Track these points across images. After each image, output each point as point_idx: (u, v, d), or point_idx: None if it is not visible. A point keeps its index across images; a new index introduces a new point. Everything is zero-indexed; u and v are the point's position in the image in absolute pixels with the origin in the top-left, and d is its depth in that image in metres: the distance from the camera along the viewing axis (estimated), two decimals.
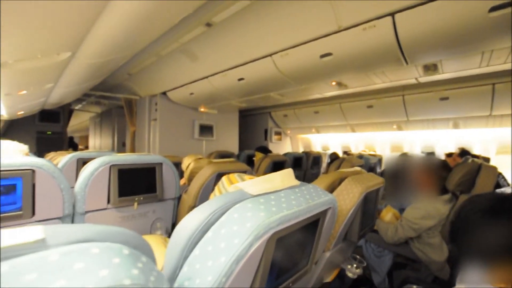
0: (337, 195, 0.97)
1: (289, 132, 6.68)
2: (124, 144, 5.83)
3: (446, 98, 3.57)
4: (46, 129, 5.51)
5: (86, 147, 8.91)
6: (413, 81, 3.38)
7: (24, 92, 2.10)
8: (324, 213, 0.70)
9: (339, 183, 1.04)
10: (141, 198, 1.43)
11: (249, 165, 2.34)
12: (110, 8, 1.24)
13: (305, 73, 2.55)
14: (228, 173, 0.87)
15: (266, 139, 6.25)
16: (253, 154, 3.70)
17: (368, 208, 1.16)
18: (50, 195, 1.11)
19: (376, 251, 1.91)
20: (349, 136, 5.90)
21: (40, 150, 5.08)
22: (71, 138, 7.54)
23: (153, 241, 1.13)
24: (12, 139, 1.24)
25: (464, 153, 3.16)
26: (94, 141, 7.39)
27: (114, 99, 4.96)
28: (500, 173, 2.26)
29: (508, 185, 2.49)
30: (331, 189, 1.02)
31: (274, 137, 6.29)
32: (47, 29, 1.06)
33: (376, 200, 1.28)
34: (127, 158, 1.34)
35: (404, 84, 3.68)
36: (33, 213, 1.08)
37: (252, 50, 2.47)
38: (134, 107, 4.71)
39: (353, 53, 2.04)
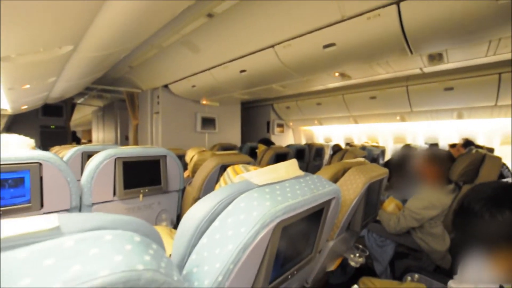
0: (340, 186, 0.97)
1: (291, 124, 6.66)
2: (127, 138, 5.86)
3: (451, 89, 3.52)
4: (50, 123, 5.54)
5: (89, 141, 8.97)
6: (418, 71, 3.33)
7: (27, 86, 2.11)
8: (328, 202, 0.70)
9: (343, 174, 1.04)
10: (146, 190, 1.45)
11: (252, 157, 2.35)
12: (111, 1, 1.23)
13: (308, 64, 2.53)
14: (232, 165, 0.87)
15: (268, 131, 6.24)
16: (255, 146, 3.70)
17: (371, 198, 1.17)
18: (57, 187, 1.13)
19: (378, 241, 1.93)
20: (351, 128, 5.87)
21: (44, 144, 5.12)
22: (74, 132, 7.59)
23: (159, 232, 1.15)
24: (16, 133, 1.25)
25: (468, 143, 3.15)
26: (97, 135, 7.44)
27: (116, 93, 4.96)
28: (504, 164, 2.25)
29: None
30: (335, 179, 1.02)
31: (276, 129, 6.28)
32: (49, 22, 1.05)
33: (379, 191, 1.29)
34: (132, 151, 1.36)
35: (408, 74, 3.63)
36: (42, 205, 1.10)
37: (254, 41, 2.44)
38: (136, 100, 4.71)
39: (357, 43, 2.00)
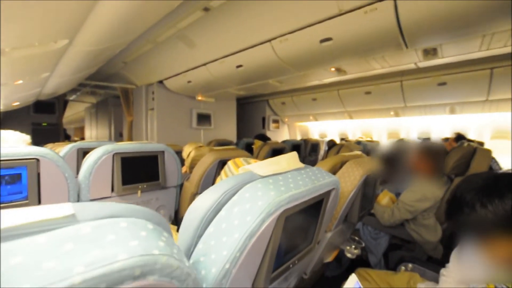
0: (339, 178, 0.99)
1: (286, 120, 6.68)
2: (121, 134, 5.80)
3: (444, 83, 3.57)
4: (42, 120, 5.44)
5: (82, 139, 8.83)
6: (412, 66, 3.37)
7: (20, 81, 2.06)
8: (328, 193, 0.72)
9: (340, 167, 1.06)
10: (145, 186, 1.45)
11: (248, 153, 2.36)
12: None
13: (304, 59, 2.53)
14: (229, 160, 0.88)
15: (264, 127, 6.25)
16: (251, 142, 3.71)
17: (368, 191, 1.20)
18: (55, 184, 1.12)
19: (373, 233, 1.98)
20: (346, 123, 5.93)
21: (36, 141, 4.99)
22: (64, 130, 7.47)
23: None
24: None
25: (459, 137, 3.21)
26: (90, 132, 7.33)
27: (110, 89, 4.88)
28: (493, 158, 2.31)
29: (500, 169, 2.55)
30: (333, 172, 1.04)
31: (272, 125, 6.29)
32: (45, 16, 1.03)
33: (375, 183, 1.32)
34: (130, 146, 1.35)
35: (403, 69, 3.67)
36: (39, 202, 1.09)
37: (251, 35, 2.43)
38: (131, 96, 4.66)
39: (354, 38, 2.02)
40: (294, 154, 0.73)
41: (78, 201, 1.26)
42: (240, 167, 0.76)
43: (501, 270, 0.73)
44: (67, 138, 7.38)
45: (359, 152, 1.30)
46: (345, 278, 1.05)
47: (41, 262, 0.23)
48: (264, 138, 3.78)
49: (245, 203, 0.49)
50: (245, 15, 2.24)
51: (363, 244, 1.43)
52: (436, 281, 1.04)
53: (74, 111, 8.29)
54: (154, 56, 3.35)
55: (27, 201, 1.07)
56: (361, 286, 0.74)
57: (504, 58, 2.97)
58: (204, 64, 3.19)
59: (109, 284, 0.25)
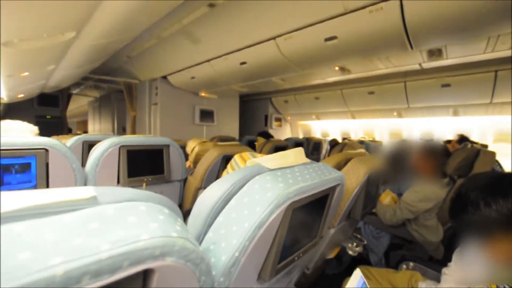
0: (343, 174, 1.00)
1: (289, 118, 6.68)
2: (124, 129, 5.82)
3: (448, 85, 3.56)
4: (45, 113, 5.46)
5: (85, 132, 8.87)
6: (416, 66, 3.37)
7: (26, 73, 2.08)
8: (333, 189, 0.73)
9: (345, 164, 1.07)
10: (150, 179, 1.47)
11: (252, 149, 2.38)
12: None
13: (309, 57, 2.53)
14: (233, 155, 0.90)
15: (266, 125, 6.26)
16: (254, 139, 3.73)
17: (371, 189, 1.21)
18: (63, 174, 1.14)
19: (374, 232, 1.98)
20: (348, 123, 5.92)
21: (39, 134, 5.04)
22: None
23: None
24: None
25: (462, 139, 3.21)
26: (94, 126, 7.36)
27: (113, 83, 4.89)
28: (496, 160, 2.31)
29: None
30: (338, 169, 1.05)
31: (274, 123, 6.30)
32: (54, 8, 1.04)
33: (378, 182, 1.33)
34: (136, 139, 1.37)
35: (406, 70, 3.66)
36: None
37: (256, 32, 2.43)
38: (134, 91, 4.67)
39: (359, 37, 2.02)
40: (301, 149, 0.74)
41: None
42: (246, 161, 0.77)
43: (504, 270, 0.73)
44: (69, 131, 7.41)
45: (363, 151, 1.31)
46: (345, 276, 1.06)
47: (71, 238, 0.25)
48: (267, 136, 3.79)
49: (254, 194, 0.50)
50: (250, 12, 2.24)
51: (365, 242, 1.44)
52: (438, 280, 1.04)
53: (77, 105, 8.32)
54: (159, 51, 3.35)
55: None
56: (365, 281, 0.75)
57: (509, 61, 2.96)
58: (208, 61, 3.20)
59: (132, 261, 0.26)
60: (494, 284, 0.76)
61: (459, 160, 1.92)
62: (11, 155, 0.98)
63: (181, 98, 4.57)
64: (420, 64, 3.24)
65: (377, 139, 5.37)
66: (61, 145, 1.12)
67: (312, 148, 4.23)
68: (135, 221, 0.29)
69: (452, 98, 3.80)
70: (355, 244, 1.43)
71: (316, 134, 6.66)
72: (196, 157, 1.89)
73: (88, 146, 1.91)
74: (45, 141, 1.06)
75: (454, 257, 0.97)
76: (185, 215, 0.57)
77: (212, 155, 1.63)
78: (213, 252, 0.48)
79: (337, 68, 3.31)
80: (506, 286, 0.72)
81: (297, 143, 3.76)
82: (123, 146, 1.31)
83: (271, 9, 2.14)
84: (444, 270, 1.01)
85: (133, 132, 4.80)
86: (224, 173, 0.85)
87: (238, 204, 0.50)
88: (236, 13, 2.30)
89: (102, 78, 4.44)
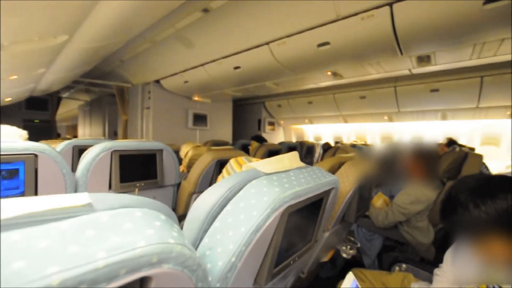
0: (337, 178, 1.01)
1: (282, 122, 6.72)
2: (115, 133, 5.74)
3: (437, 90, 3.67)
4: (34, 117, 5.33)
5: (75, 137, 8.68)
6: (406, 72, 3.45)
7: (15, 77, 2.03)
8: (328, 192, 0.74)
9: (338, 168, 1.09)
10: (142, 184, 1.45)
11: (246, 153, 2.37)
12: None
13: (302, 62, 2.57)
14: (227, 160, 0.89)
15: (259, 129, 6.27)
16: (247, 143, 3.72)
17: (364, 192, 1.22)
18: (53, 180, 1.11)
19: (367, 235, 2.00)
20: (341, 127, 6.01)
21: (27, 139, 4.91)
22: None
23: None
24: None
25: (451, 143, 3.29)
26: (84, 130, 7.22)
27: (105, 87, 4.83)
28: (483, 163, 2.38)
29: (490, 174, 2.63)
30: (332, 172, 1.06)
31: (268, 127, 6.32)
32: (46, 11, 1.02)
33: (371, 185, 1.34)
34: (128, 144, 1.35)
35: (397, 75, 3.75)
36: None
37: (250, 37, 2.45)
38: (126, 95, 4.62)
39: (351, 43, 2.06)
40: (295, 153, 0.75)
41: None
42: (242, 165, 0.77)
43: (494, 270, 0.75)
44: (58, 136, 7.25)
45: (356, 154, 1.33)
46: (339, 279, 1.07)
47: (66, 246, 0.24)
48: (261, 140, 3.80)
49: (251, 198, 0.50)
50: (244, 18, 2.27)
51: (359, 245, 1.46)
52: (430, 281, 1.06)
53: (66, 109, 8.15)
54: (152, 55, 3.34)
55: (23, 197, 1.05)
56: (358, 284, 0.76)
57: (494, 67, 3.08)
58: (202, 65, 3.20)
59: (129, 269, 0.26)
60: (484, 284, 0.77)
61: (448, 163, 1.97)
62: None
63: (174, 102, 4.54)
64: (409, 70, 3.33)
65: (369, 142, 5.46)
66: (51, 150, 1.09)
67: (306, 152, 4.26)
68: (132, 228, 0.29)
69: (441, 103, 3.91)
70: (349, 247, 1.44)
71: (309, 138, 6.72)
72: (190, 161, 1.88)
73: (79, 151, 1.87)
74: (35, 146, 1.03)
75: (445, 258, 0.99)
76: (179, 220, 0.57)
77: (206, 159, 1.62)
78: (209, 258, 0.48)
79: (329, 73, 3.36)
80: (496, 286, 0.74)
81: (290, 147, 3.78)
82: (115, 150, 1.29)
83: (264, 15, 2.17)
84: (436, 271, 1.03)
85: (125, 136, 4.73)
86: (220, 177, 0.85)
87: (234, 208, 0.50)
88: (230, 18, 2.32)
89: (93, 82, 4.38)
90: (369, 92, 4.35)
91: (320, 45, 2.18)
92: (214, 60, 3.01)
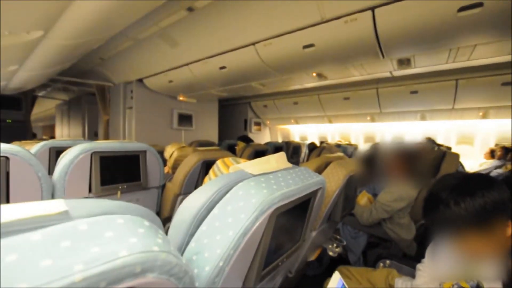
0: (324, 178, 1.02)
1: (268, 122, 6.75)
2: (96, 134, 5.51)
3: (416, 92, 3.82)
4: (5, 117, 4.99)
5: (52, 137, 8.26)
6: (388, 74, 3.58)
7: None
8: (315, 192, 0.74)
9: (325, 167, 1.10)
10: (125, 187, 1.40)
11: (232, 154, 2.35)
12: None
13: (287, 63, 2.59)
14: (214, 161, 0.88)
15: (245, 129, 6.26)
16: (234, 143, 3.70)
17: (350, 191, 1.25)
18: (27, 184, 1.05)
19: (352, 232, 2.05)
20: (326, 127, 6.12)
21: None
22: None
23: None
24: None
25: (430, 142, 3.44)
26: (62, 130, 6.89)
27: (84, 86, 4.63)
28: (459, 162, 2.50)
29: (465, 171, 2.78)
30: (318, 172, 1.07)
31: (254, 128, 6.32)
32: (18, 3, 0.95)
33: (356, 184, 1.37)
34: (110, 145, 1.29)
35: (378, 77, 3.87)
36: (8, 203, 1.01)
37: (235, 38, 2.43)
38: (107, 94, 4.45)
39: (335, 45, 2.10)
40: (283, 154, 0.75)
41: None
42: (229, 166, 0.76)
43: (472, 266, 0.79)
44: (33, 137, 6.87)
45: (341, 154, 1.36)
46: (325, 276, 1.08)
47: (38, 260, 0.22)
48: (247, 140, 3.79)
49: (238, 201, 0.49)
50: (230, 17, 2.25)
51: (344, 242, 1.48)
52: (412, 276, 1.10)
53: (43, 108, 7.74)
54: (134, 53, 3.24)
55: None
56: (344, 282, 0.76)
57: (467, 71, 3.25)
58: (187, 64, 3.14)
59: (110, 282, 0.24)
60: (463, 279, 0.81)
61: (427, 162, 2.05)
62: None
63: (158, 102, 4.43)
64: (391, 72, 3.45)
65: (352, 142, 5.60)
66: (24, 152, 1.03)
67: (292, 152, 4.29)
68: (112, 237, 0.27)
69: (420, 104, 4.08)
70: (335, 245, 1.46)
71: (295, 138, 6.79)
72: (175, 162, 1.84)
73: (56, 152, 1.78)
74: (5, 148, 0.97)
75: (427, 253, 1.03)
76: (164, 222, 0.55)
77: (191, 160, 1.59)
78: (196, 263, 0.47)
79: (314, 74, 3.41)
80: (474, 281, 0.77)
81: (277, 147, 3.79)
82: (95, 152, 1.23)
83: (250, 16, 2.16)
84: (418, 266, 1.06)
85: (106, 137, 4.56)
86: (206, 179, 0.83)
87: (222, 212, 0.49)
88: (216, 18, 2.29)
89: (72, 80, 4.17)
90: (353, 93, 4.47)
91: (305, 46, 2.21)
92: (199, 60, 2.96)
